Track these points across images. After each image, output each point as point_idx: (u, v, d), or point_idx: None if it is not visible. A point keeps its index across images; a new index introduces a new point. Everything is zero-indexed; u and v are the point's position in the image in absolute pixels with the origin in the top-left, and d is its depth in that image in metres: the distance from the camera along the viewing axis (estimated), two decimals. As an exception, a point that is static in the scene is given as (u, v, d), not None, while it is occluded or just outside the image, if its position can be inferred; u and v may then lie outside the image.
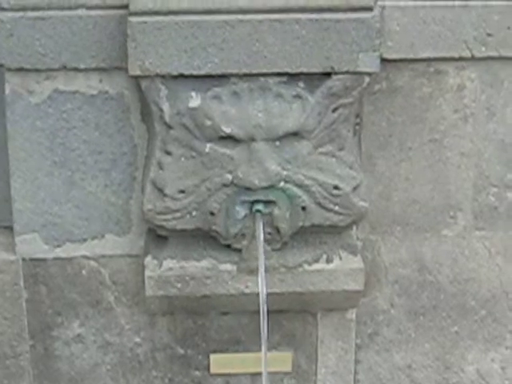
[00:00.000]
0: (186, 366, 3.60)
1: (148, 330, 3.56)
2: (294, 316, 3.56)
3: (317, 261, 3.41)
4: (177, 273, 3.37)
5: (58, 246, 3.44)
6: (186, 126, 3.20)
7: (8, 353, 3.55)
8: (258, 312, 3.23)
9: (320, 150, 3.26)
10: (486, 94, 3.46)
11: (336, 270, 3.41)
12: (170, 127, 3.21)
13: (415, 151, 3.50)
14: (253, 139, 3.19)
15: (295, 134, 3.21)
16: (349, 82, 3.20)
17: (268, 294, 3.24)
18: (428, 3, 3.32)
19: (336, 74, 3.17)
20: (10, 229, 3.46)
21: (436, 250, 3.61)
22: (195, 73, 3.14)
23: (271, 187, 3.24)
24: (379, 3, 3.24)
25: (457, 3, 3.33)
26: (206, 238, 3.35)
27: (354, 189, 3.31)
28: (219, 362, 3.60)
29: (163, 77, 3.15)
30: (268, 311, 3.23)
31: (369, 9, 3.14)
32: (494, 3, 3.32)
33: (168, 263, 3.38)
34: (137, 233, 3.45)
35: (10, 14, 3.18)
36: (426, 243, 3.60)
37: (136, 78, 3.17)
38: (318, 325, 3.60)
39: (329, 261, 3.42)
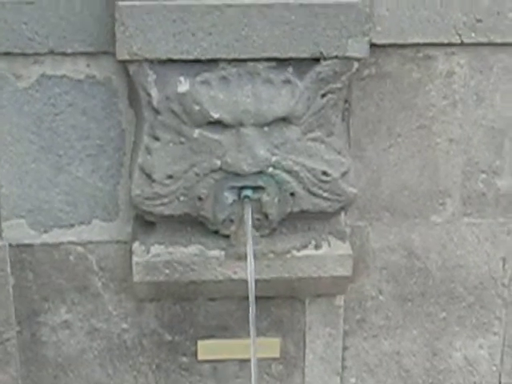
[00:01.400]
0: (173, 352, 3.61)
1: (135, 316, 3.57)
2: (282, 302, 3.58)
3: (305, 247, 3.42)
4: (164, 259, 3.37)
5: (45, 231, 3.44)
6: (175, 111, 3.20)
7: (-5, 339, 3.55)
8: (246, 298, 3.24)
9: (309, 135, 3.26)
10: (476, 79, 3.46)
11: (324, 256, 3.42)
12: (158, 112, 3.21)
13: (404, 137, 3.51)
14: (241, 124, 3.20)
15: (284, 120, 3.22)
16: (338, 68, 3.20)
17: (256, 281, 3.25)
18: (418, -12, 3.33)
19: (325, 59, 3.17)
20: (-5, 214, 3.46)
21: (424, 237, 3.63)
22: (184, 57, 3.14)
23: (260, 173, 3.25)
24: (369, -11, 3.25)
25: (446, -11, 3.34)
26: (193, 224, 3.36)
27: (343, 175, 3.32)
28: (207, 348, 3.61)
29: (151, 61, 3.14)
30: (256, 297, 3.24)
31: (358, -6, 3.16)
32: (483, -12, 3.34)
33: (156, 249, 3.38)
34: (124, 218, 3.46)
35: (-5, 0, 3.18)
36: (414, 229, 3.62)
37: (124, 62, 3.16)
38: (306, 311, 3.62)
39: (317, 247, 3.42)
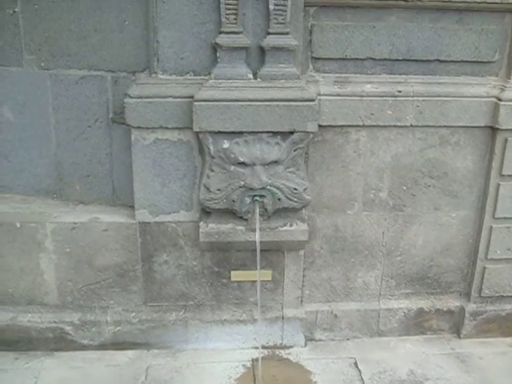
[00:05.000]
0: (218, 276, 3.55)
1: (200, 258, 3.50)
2: (273, 252, 3.50)
3: (285, 225, 3.36)
4: (215, 230, 3.33)
5: (156, 215, 3.39)
6: (221, 157, 3.19)
7: (130, 269, 3.50)
8: (255, 250, 3.24)
9: (288, 170, 3.24)
10: (370, 143, 3.42)
11: (294, 230, 3.37)
12: (213, 157, 3.19)
13: (334, 171, 3.46)
14: (254, 164, 3.19)
15: (275, 162, 3.20)
16: (302, 136, 3.19)
17: (260, 242, 3.25)
18: (341, 98, 3.28)
19: (296, 132, 3.16)
20: (132, 207, 3.41)
21: (344, 221, 3.56)
22: (226, 130, 3.13)
23: (263, 188, 3.23)
24: (318, 97, 3.21)
25: (356, 98, 3.29)
26: (230, 213, 3.31)
27: (304, 190, 3.29)
28: (235, 275, 3.53)
29: (210, 132, 3.14)
30: (260, 250, 3.25)
31: (313, 100, 3.13)
32: (375, 98, 3.29)
33: (211, 225, 3.33)
34: (196, 210, 3.39)
35: (134, 100, 3.16)
36: (339, 217, 3.55)
37: (197, 132, 3.15)
38: (285, 257, 3.54)
39: (291, 225, 3.37)
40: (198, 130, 3.11)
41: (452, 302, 3.82)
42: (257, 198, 3.22)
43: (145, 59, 3.25)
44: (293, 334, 3.69)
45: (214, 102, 3.07)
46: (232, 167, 3.18)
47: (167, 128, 3.22)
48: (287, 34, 3.09)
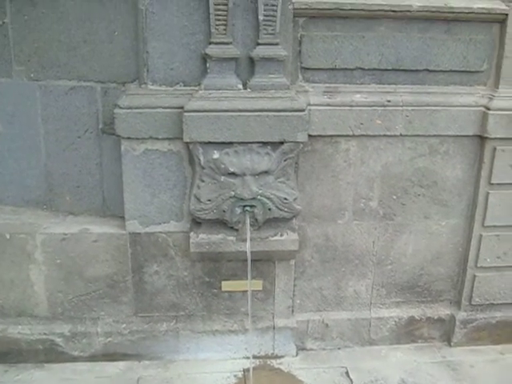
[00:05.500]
0: (209, 287, 3.54)
1: (191, 268, 3.49)
2: (263, 262, 3.49)
3: (276, 235, 3.36)
4: (206, 240, 3.32)
5: (147, 226, 3.38)
6: (212, 167, 3.18)
7: (121, 280, 3.49)
8: (246, 260, 3.23)
9: (278, 180, 3.24)
10: (360, 153, 3.43)
11: (285, 240, 3.37)
12: (203, 168, 3.18)
13: (324, 181, 3.46)
14: (244, 174, 3.18)
15: (266, 172, 3.20)
16: (292, 146, 3.18)
17: (251, 252, 3.23)
18: (331, 108, 3.29)
19: (286, 142, 3.16)
20: (122, 218, 3.39)
21: (334, 230, 3.56)
22: (216, 141, 3.12)
23: (253, 198, 3.22)
24: (308, 107, 3.21)
25: (345, 108, 3.30)
26: (221, 223, 3.30)
27: (294, 200, 3.29)
28: (226, 285, 3.52)
29: (200, 143, 3.13)
30: (251, 260, 3.23)
31: (303, 110, 3.13)
32: (364, 108, 3.30)
33: (201, 235, 3.32)
34: (186, 220, 3.38)
35: (123, 110, 3.15)
36: (329, 227, 3.55)
37: (187, 143, 3.15)
38: (276, 267, 3.54)
39: (281, 235, 3.36)
40: (188, 140, 3.10)
41: (442, 311, 3.82)
42: (247, 208, 3.22)
43: (134, 70, 3.24)
44: (284, 344, 3.67)
45: (204, 112, 3.07)
46: (222, 177, 3.18)
47: (157, 138, 3.21)
48: (277, 44, 3.10)
